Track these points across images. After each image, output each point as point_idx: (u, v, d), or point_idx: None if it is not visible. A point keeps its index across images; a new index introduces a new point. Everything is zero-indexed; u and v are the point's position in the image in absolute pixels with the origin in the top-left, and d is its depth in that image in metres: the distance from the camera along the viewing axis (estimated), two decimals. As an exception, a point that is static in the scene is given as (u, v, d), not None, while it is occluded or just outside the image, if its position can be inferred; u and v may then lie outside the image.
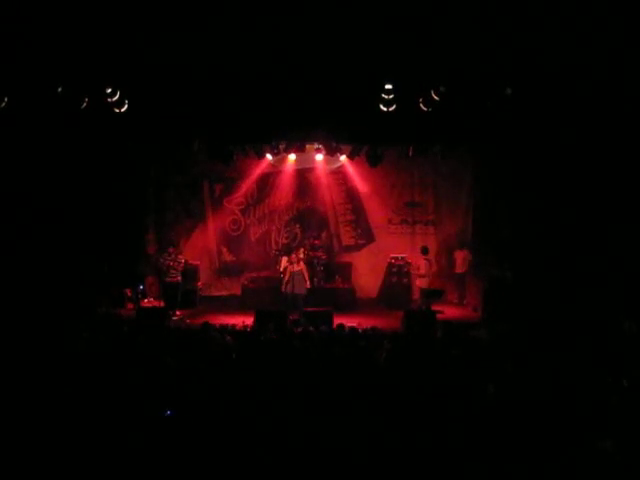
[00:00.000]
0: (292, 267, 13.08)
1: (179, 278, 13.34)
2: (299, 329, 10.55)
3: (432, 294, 13.37)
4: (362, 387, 6.52)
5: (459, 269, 14.83)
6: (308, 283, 13.35)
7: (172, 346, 8.43)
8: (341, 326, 10.15)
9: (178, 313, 13.14)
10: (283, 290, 13.15)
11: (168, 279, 13.30)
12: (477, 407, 6.08)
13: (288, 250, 14.74)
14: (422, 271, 13.53)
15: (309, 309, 12.71)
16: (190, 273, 14.31)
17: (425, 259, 13.58)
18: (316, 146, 13.85)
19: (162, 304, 13.34)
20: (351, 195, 15.94)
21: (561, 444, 5.29)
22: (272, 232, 16.05)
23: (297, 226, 16.00)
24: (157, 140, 12.96)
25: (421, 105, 10.96)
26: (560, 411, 5.93)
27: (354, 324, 11.73)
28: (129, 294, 14.11)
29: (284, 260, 13.72)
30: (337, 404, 6.09)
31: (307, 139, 13.34)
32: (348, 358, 7.77)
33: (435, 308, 13.11)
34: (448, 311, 13.63)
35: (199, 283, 14.76)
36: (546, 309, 11.21)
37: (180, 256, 13.66)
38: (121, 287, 14.07)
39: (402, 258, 14.75)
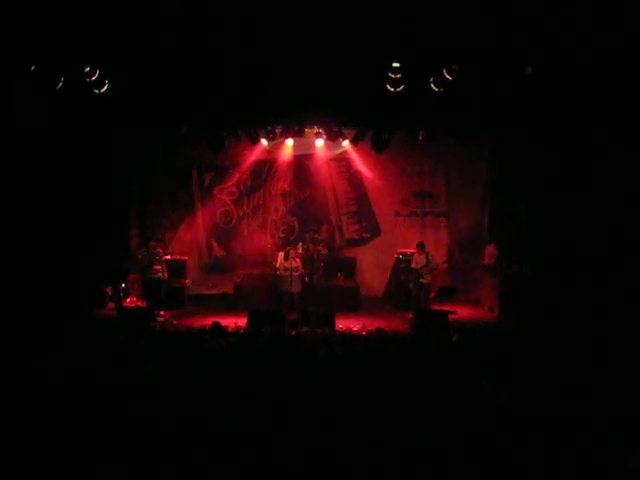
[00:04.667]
0: (288, 263, 13.09)
1: (160, 275, 13.27)
2: (297, 331, 10.56)
3: (443, 292, 13.34)
4: (363, 399, 6.50)
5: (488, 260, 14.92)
6: (306, 279, 13.41)
7: (158, 350, 8.41)
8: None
9: (162, 313, 13.12)
10: (282, 290, 13.18)
11: (148, 276, 13.25)
12: (485, 419, 6.07)
13: (285, 245, 14.74)
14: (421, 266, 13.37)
15: (308, 309, 12.71)
16: (177, 270, 14.31)
17: (424, 254, 13.47)
18: (316, 130, 13.84)
19: (145, 304, 13.31)
20: (355, 184, 15.93)
21: (584, 462, 5.28)
22: (267, 225, 16.05)
23: (295, 218, 16.00)
24: (141, 124, 12.93)
25: (432, 85, 10.92)
26: (581, 425, 5.91)
27: (358, 326, 11.74)
28: (110, 293, 14.10)
29: (280, 256, 13.72)
30: (337, 416, 6.08)
31: (306, 122, 13.32)
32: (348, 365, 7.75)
33: (447, 308, 13.07)
34: (461, 311, 13.63)
35: (187, 281, 14.75)
36: (567, 309, 11.20)
37: (161, 250, 13.54)
38: (101, 285, 14.07)
39: (411, 253, 14.67)
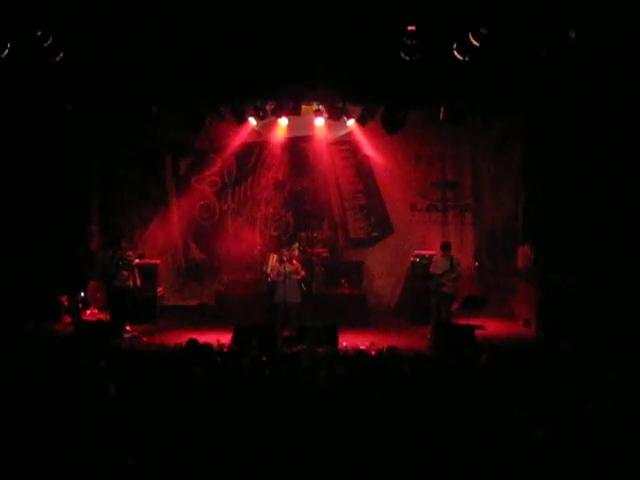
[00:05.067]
0: (282, 267, 13.00)
1: (129, 282, 13.21)
2: (292, 350, 10.53)
3: (470, 303, 13.27)
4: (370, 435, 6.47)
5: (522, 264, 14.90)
6: (303, 287, 13.36)
7: (123, 374, 8.36)
8: None
9: (128, 328, 13.11)
10: (275, 300, 13.13)
11: (114, 283, 13.13)
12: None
13: (278, 245, 14.68)
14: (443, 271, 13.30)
15: (306, 323, 12.67)
16: (147, 276, 14.23)
17: (449, 258, 13.36)
18: (315, 107, 13.78)
19: (109, 317, 13.24)
20: (362, 172, 15.95)
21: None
22: (257, 221, 16.07)
23: (290, 214, 16.02)
24: (103, 100, 12.85)
25: (455, 53, 10.86)
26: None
27: (366, 344, 11.71)
28: (66, 303, 14.07)
29: (273, 258, 13.66)
30: (339, 454, 6.05)
31: (303, 97, 13.26)
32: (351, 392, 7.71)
33: (474, 322, 13.01)
34: (491, 326, 13.60)
35: (159, 289, 14.74)
36: (619, 325, 11.17)
37: (131, 252, 13.51)
38: (55, 294, 14.02)
39: (430, 256, 14.59)
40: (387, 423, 6.72)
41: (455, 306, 13.52)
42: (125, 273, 13.10)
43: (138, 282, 13.33)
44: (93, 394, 7.41)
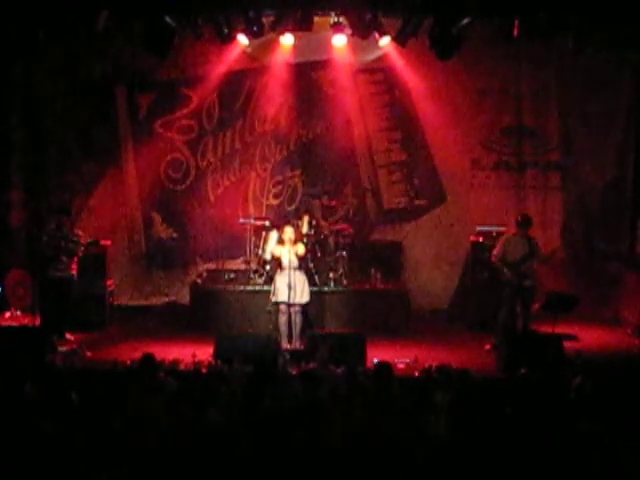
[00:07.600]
0: (286, 252, 12.93)
1: (73, 270, 13.31)
2: (300, 368, 10.52)
3: (557, 302, 13.21)
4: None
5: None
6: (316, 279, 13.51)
7: (58, 404, 8.35)
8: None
9: (70, 337, 13.16)
10: (273, 298, 13.10)
11: (53, 273, 13.19)
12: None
13: (279, 218, 14.64)
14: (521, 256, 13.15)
15: (320, 331, 12.85)
16: (92, 263, 14.30)
17: (525, 238, 13.21)
18: (334, 19, 13.67)
19: (39, 321, 13.26)
20: (401, 114, 15.98)
21: None
22: (249, 185, 16.14)
23: (297, 173, 16.08)
24: (29, 10, 12.81)
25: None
26: None
27: (407, 360, 11.79)
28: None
29: (273, 238, 13.60)
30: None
31: (317, 5, 13.17)
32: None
33: (562, 329, 12.97)
34: (587, 335, 13.64)
35: (109, 282, 14.78)
36: None
37: (78, 231, 13.55)
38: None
39: (498, 234, 14.48)
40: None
41: (535, 306, 13.44)
42: (64, 259, 13.13)
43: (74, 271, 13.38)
44: (15, 434, 7.39)
